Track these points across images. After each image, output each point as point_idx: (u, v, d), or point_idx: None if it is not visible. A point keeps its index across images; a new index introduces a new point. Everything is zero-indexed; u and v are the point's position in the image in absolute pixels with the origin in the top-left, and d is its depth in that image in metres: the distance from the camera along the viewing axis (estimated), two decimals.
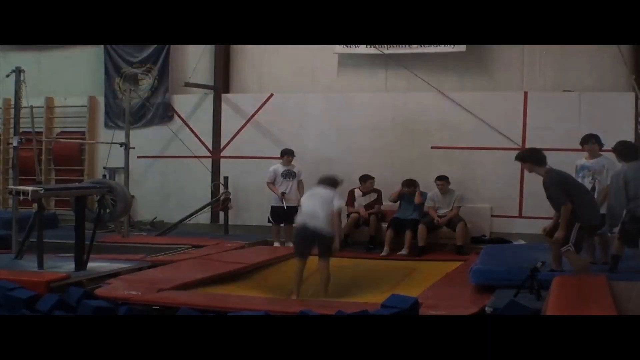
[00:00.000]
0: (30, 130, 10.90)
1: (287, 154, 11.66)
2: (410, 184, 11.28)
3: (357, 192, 11.64)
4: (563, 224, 6.97)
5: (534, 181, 11.16)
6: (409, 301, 5.92)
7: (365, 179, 11.56)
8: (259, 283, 8.55)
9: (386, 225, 11.16)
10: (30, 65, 11.45)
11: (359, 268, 9.75)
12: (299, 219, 8.22)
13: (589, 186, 7.79)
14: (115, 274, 7.97)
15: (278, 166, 11.65)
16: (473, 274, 7.45)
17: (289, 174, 11.59)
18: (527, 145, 11.64)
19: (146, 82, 13.48)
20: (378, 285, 8.37)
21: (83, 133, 13.91)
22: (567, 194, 7.03)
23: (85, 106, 13.90)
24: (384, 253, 10.85)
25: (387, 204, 11.66)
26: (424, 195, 11.29)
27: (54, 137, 13.95)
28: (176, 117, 13.45)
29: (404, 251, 10.80)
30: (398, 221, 11.08)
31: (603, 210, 7.44)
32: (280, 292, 8.13)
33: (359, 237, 11.52)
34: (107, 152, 12.02)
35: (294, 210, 10.21)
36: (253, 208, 12.93)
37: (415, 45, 11.62)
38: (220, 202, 12.75)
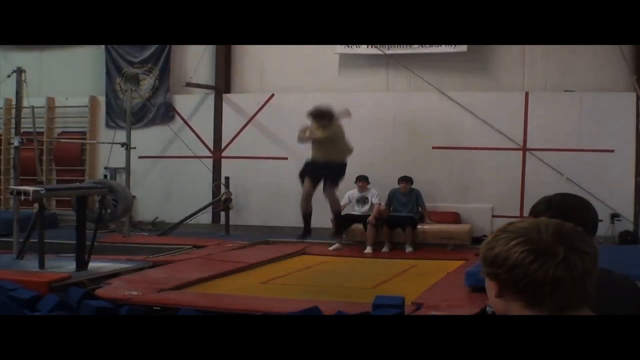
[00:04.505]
0: (31, 130, 10.91)
1: (361, 180, 11.28)
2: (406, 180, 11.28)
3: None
4: None
5: (536, 181, 11.28)
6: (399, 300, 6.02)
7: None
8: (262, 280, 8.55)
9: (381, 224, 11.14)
10: (32, 65, 11.46)
11: (359, 267, 9.76)
12: None
13: None
14: (116, 274, 7.97)
15: (354, 192, 11.33)
16: (468, 276, 7.43)
17: (362, 200, 11.30)
18: (528, 145, 11.67)
19: (147, 82, 13.49)
20: (378, 284, 8.37)
21: (84, 133, 13.92)
22: None
23: (87, 106, 13.91)
24: (385, 249, 10.90)
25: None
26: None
27: (55, 137, 13.96)
28: (177, 117, 13.45)
29: (409, 248, 10.82)
30: (394, 219, 11.08)
31: None
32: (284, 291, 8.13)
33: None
34: (108, 152, 12.03)
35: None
36: (254, 208, 12.95)
37: (417, 45, 11.63)
38: (221, 202, 12.76)
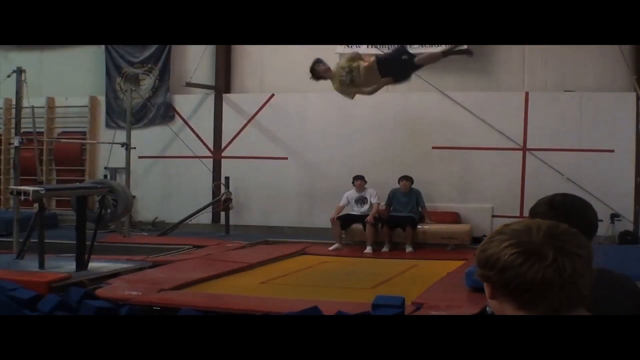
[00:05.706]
0: (31, 130, 10.91)
1: (358, 179, 11.29)
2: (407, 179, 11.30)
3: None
4: None
5: (536, 181, 11.27)
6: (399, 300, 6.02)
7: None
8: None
9: (380, 224, 11.14)
10: (32, 65, 11.47)
11: (359, 267, 9.75)
12: None
13: None
14: (116, 274, 7.97)
15: (352, 192, 11.36)
16: (468, 276, 7.43)
17: (361, 200, 11.32)
18: (528, 145, 11.67)
19: (147, 82, 13.50)
20: (378, 284, 8.36)
21: (84, 133, 13.92)
22: None
23: (87, 106, 13.91)
24: (385, 249, 10.91)
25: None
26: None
27: (55, 137, 13.96)
28: (177, 117, 13.46)
29: (409, 248, 10.84)
30: (394, 219, 11.09)
31: None
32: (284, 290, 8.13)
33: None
34: (108, 152, 12.04)
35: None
36: (254, 208, 12.94)
37: (417, 45, 11.61)
38: (221, 202, 12.76)
